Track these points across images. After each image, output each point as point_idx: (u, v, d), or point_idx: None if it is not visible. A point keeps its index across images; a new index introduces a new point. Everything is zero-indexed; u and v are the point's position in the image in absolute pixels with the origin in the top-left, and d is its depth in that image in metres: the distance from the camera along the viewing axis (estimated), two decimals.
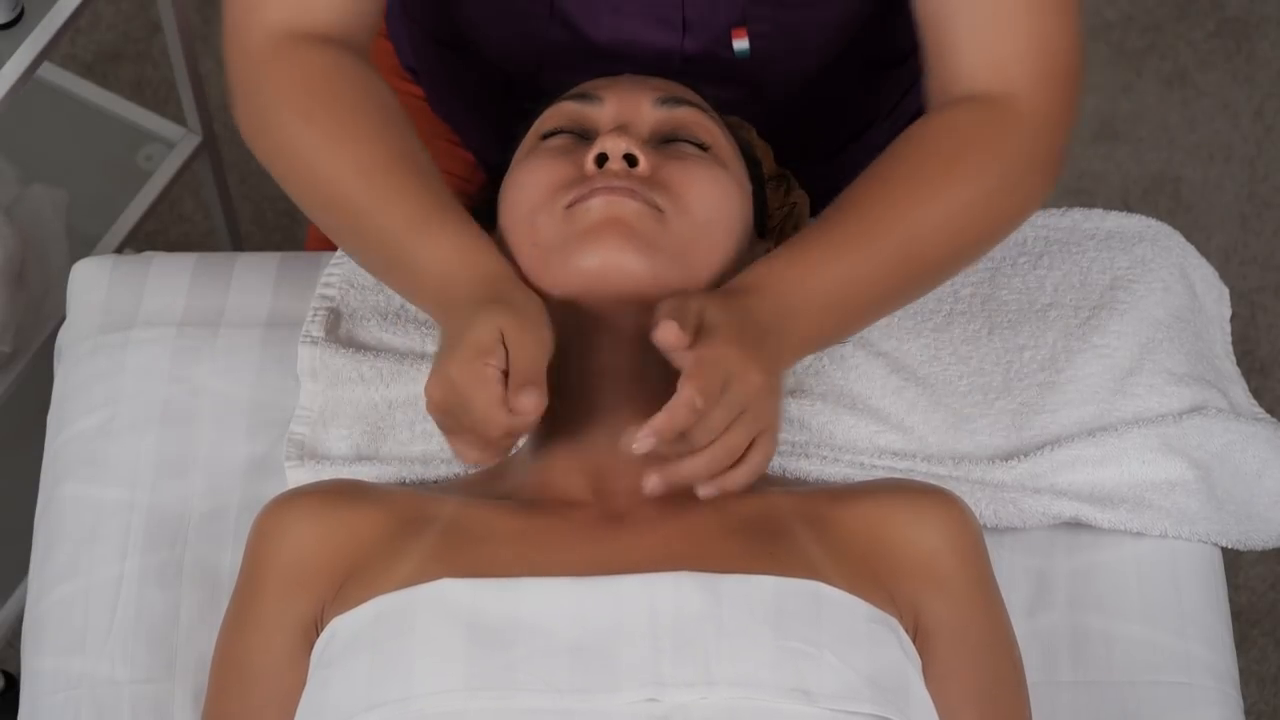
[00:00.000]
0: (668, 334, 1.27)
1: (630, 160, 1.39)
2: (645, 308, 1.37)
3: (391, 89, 1.46)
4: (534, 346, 1.31)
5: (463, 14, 1.60)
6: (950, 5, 1.44)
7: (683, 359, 1.29)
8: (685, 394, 1.27)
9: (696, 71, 1.54)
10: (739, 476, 1.31)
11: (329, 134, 1.42)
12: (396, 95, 1.46)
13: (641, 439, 1.27)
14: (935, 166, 1.43)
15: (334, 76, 1.44)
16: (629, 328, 1.39)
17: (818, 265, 1.38)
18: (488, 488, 1.44)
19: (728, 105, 1.52)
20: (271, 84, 1.44)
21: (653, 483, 1.29)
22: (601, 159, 1.39)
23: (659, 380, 1.37)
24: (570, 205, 1.38)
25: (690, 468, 1.29)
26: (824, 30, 1.56)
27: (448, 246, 1.38)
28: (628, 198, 1.37)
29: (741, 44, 1.54)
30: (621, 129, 1.40)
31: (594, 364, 1.40)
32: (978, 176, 1.43)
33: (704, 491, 1.30)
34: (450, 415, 1.32)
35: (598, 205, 1.37)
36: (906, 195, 1.42)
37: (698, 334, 1.30)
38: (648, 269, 1.37)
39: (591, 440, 1.40)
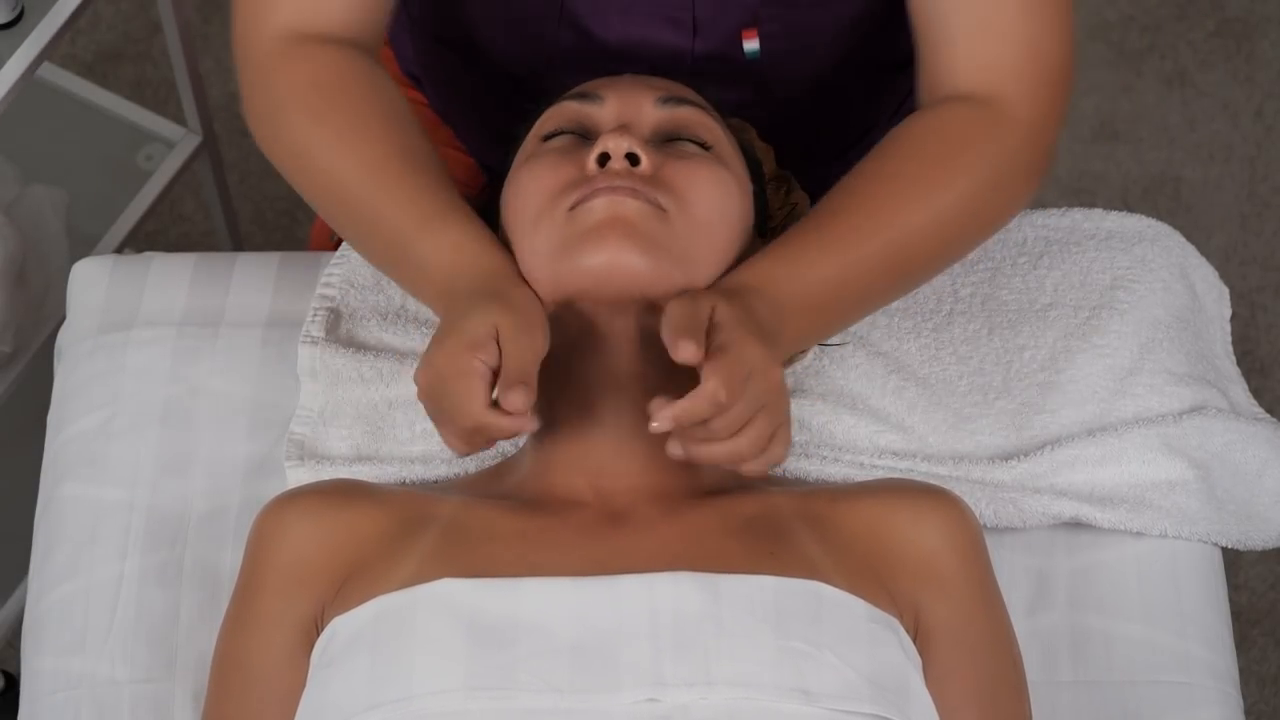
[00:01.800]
0: (688, 354, 1.28)
1: (632, 159, 1.38)
2: (647, 307, 1.37)
3: (398, 87, 1.47)
4: (528, 347, 1.31)
5: (468, 15, 1.60)
6: (944, 5, 1.44)
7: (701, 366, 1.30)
8: (710, 387, 1.27)
9: (705, 71, 1.54)
10: (760, 466, 1.32)
11: (339, 133, 1.42)
12: (403, 94, 1.47)
13: (661, 418, 1.28)
14: (923, 167, 1.43)
15: (343, 75, 1.44)
16: (630, 327, 1.39)
17: (807, 266, 1.39)
18: (489, 487, 1.44)
19: (734, 106, 1.52)
20: (282, 84, 1.44)
21: (674, 447, 1.31)
22: (604, 159, 1.38)
23: (660, 379, 1.37)
24: (573, 207, 1.38)
25: (712, 453, 1.30)
26: (834, 30, 1.56)
27: (452, 241, 1.38)
28: (630, 197, 1.36)
29: (752, 45, 1.54)
30: (623, 128, 1.39)
31: (595, 364, 1.40)
32: (965, 177, 1.43)
33: (749, 468, 1.31)
34: (435, 403, 1.33)
35: (600, 205, 1.37)
36: (895, 195, 1.42)
37: (711, 331, 1.31)
38: (650, 268, 1.37)
39: (592, 440, 1.39)
